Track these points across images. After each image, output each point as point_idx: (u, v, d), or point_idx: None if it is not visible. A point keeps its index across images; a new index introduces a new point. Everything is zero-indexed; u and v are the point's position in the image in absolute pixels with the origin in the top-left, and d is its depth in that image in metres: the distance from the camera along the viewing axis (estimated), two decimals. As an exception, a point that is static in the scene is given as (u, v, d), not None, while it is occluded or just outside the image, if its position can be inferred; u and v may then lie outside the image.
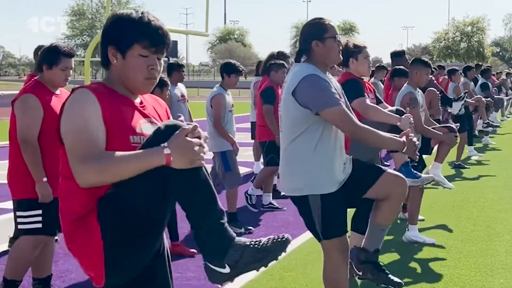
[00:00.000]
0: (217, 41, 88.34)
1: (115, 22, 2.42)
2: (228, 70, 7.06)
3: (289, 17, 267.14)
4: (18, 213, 4.45)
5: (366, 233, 4.00)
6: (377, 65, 13.47)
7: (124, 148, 2.29)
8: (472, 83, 14.31)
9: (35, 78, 4.54)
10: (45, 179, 4.32)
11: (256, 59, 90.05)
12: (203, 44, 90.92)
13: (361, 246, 4.01)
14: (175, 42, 39.49)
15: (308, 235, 6.67)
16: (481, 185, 9.65)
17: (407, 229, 6.46)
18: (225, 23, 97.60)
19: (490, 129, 13.34)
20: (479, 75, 15.66)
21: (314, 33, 3.79)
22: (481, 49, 65.55)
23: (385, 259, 5.78)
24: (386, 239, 6.43)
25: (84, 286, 4.98)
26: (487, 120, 13.11)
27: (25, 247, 4.42)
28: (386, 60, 75.06)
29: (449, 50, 65.51)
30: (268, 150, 7.61)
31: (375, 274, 3.97)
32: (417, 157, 3.98)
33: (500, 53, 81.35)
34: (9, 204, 8.09)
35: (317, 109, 3.60)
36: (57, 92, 4.49)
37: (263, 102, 7.65)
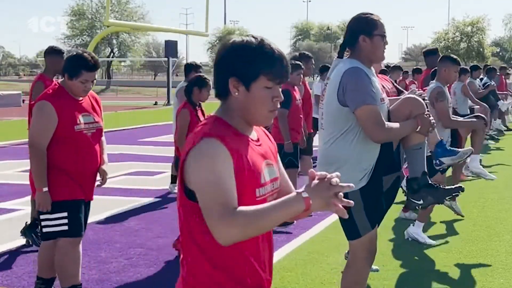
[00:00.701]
0: (217, 41, 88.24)
1: (236, 52, 2.28)
2: None
3: (289, 17, 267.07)
4: (43, 216, 4.38)
5: (408, 164, 3.94)
6: (392, 65, 13.39)
7: (250, 204, 2.20)
8: (478, 80, 14.46)
9: (59, 82, 4.51)
10: (45, 189, 4.28)
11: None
12: (203, 44, 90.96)
13: (408, 177, 3.96)
14: (175, 42, 39.61)
15: (308, 235, 6.68)
16: (481, 185, 9.64)
17: (412, 224, 6.45)
18: (225, 23, 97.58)
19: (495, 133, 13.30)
20: (485, 74, 15.84)
21: (363, 28, 3.73)
22: (481, 49, 65.44)
23: (385, 259, 5.77)
24: (386, 239, 6.45)
25: None
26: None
27: (67, 251, 4.39)
28: (386, 60, 74.96)
29: (449, 50, 65.25)
30: (286, 153, 7.40)
31: (433, 194, 3.93)
32: (429, 133, 3.93)
33: (500, 53, 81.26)
34: (9, 204, 8.13)
35: (353, 107, 3.58)
36: (80, 98, 4.44)
37: None
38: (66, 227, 4.35)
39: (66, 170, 4.35)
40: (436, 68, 7.96)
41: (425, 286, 5.17)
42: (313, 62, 8.48)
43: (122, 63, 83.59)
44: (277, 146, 8.68)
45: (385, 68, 12.50)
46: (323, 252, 5.95)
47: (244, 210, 2.13)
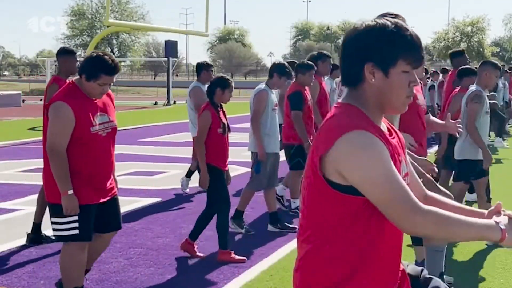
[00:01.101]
0: (217, 41, 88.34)
1: (372, 35, 2.14)
2: (282, 72, 6.95)
3: (289, 17, 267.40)
4: (54, 219, 4.33)
5: (426, 261, 4.09)
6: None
7: None
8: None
9: (73, 80, 4.40)
10: (70, 191, 4.19)
11: (256, 59, 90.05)
12: (203, 44, 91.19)
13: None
14: (175, 42, 39.59)
15: (308, 235, 6.67)
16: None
17: None
18: (225, 23, 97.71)
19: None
20: None
21: None
22: (481, 49, 65.51)
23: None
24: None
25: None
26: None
27: (74, 252, 4.36)
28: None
29: (449, 50, 65.59)
30: (296, 154, 7.37)
31: None
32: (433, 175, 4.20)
33: (500, 53, 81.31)
34: (9, 204, 8.13)
35: None
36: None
37: (291, 108, 7.37)
38: (77, 231, 4.29)
39: (81, 173, 4.27)
40: (462, 68, 7.94)
41: (425, 286, 5.17)
42: (331, 61, 8.50)
43: (122, 63, 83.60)
44: (290, 146, 8.60)
45: None
46: (323, 252, 5.94)
47: (438, 210, 2.09)
